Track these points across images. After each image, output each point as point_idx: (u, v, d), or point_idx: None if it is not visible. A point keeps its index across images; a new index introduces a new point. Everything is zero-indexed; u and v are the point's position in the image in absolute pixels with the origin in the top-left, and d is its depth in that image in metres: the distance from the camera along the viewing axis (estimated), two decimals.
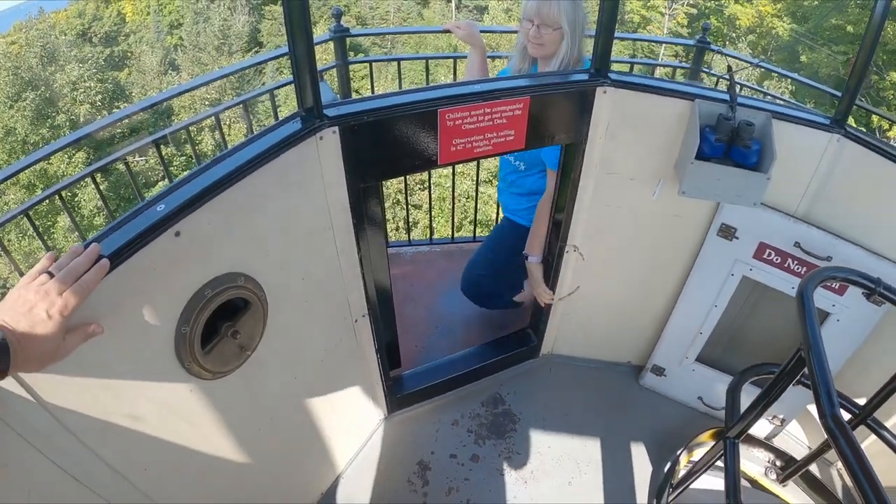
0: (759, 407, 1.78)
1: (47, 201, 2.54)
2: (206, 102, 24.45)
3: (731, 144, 2.00)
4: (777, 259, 2.27)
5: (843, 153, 2.09)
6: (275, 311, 1.68)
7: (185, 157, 22.09)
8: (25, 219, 2.31)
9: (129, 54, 34.44)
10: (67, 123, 26.16)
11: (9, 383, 1.08)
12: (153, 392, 1.40)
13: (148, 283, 1.29)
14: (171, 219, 1.29)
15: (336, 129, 1.62)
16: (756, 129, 1.98)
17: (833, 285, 2.21)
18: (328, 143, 1.63)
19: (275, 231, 1.61)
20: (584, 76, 2.01)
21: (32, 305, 1.00)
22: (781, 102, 2.93)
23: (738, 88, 2.01)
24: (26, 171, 2.38)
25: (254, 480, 1.92)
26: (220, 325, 1.51)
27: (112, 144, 22.50)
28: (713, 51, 3.54)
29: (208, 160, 1.46)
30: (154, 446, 1.46)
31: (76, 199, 22.20)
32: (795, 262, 2.24)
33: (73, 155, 23.37)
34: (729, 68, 2.12)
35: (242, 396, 1.72)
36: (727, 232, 2.29)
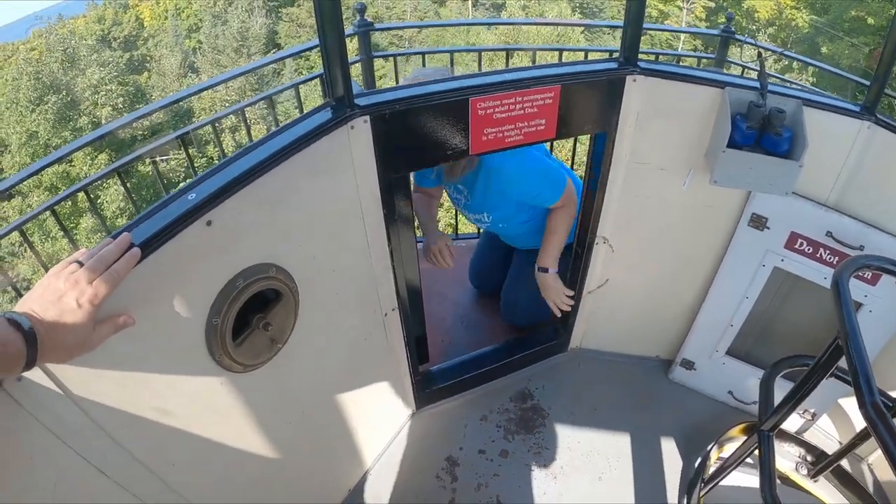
0: (795, 399, 1.75)
1: (70, 204, 2.56)
2: (227, 104, 24.66)
3: (763, 132, 1.97)
4: (809, 249, 2.24)
5: (874, 140, 2.05)
6: (305, 304, 1.67)
7: (205, 159, 22.25)
8: (47, 220, 2.33)
9: (148, 58, 34.77)
10: (89, 126, 26.47)
11: (36, 375, 1.08)
12: (183, 385, 1.40)
13: (179, 273, 1.28)
14: (203, 208, 1.28)
15: (367, 118, 1.61)
16: (787, 116, 1.95)
17: (866, 275, 2.17)
18: (359, 133, 1.62)
19: (306, 221, 1.61)
20: (614, 64, 1.99)
21: (62, 294, 0.98)
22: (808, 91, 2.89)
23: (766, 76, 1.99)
24: (49, 173, 2.42)
25: (282, 476, 1.92)
26: (250, 318, 1.50)
27: (133, 145, 22.70)
28: (738, 40, 3.50)
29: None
30: (183, 440, 1.46)
31: (98, 202, 22.44)
32: (827, 251, 2.21)
33: (96, 157, 23.64)
34: (759, 54, 2.09)
35: (273, 390, 1.71)
36: (758, 222, 2.26)
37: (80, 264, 1.03)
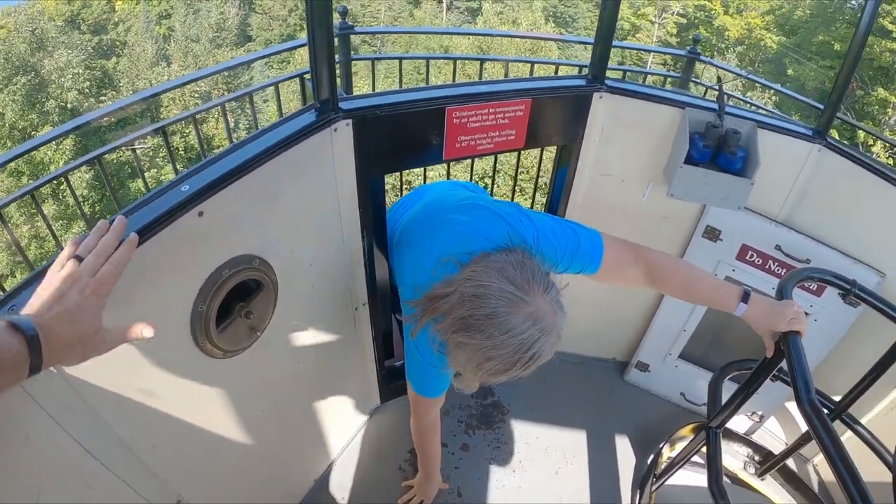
0: (740, 397, 1.85)
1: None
2: (196, 95, 24.28)
3: (718, 151, 2.10)
4: (759, 261, 2.37)
5: (824, 162, 2.19)
6: (284, 295, 1.73)
7: (173, 149, 21.80)
8: (13, 210, 2.32)
9: (118, 43, 34.05)
10: (56, 109, 25.81)
11: None
12: (166, 368, 1.44)
13: (170, 260, 1.33)
14: (196, 199, 1.33)
15: (350, 121, 1.68)
16: (742, 137, 2.08)
17: (811, 286, 2.31)
18: (342, 135, 1.69)
19: (288, 216, 1.67)
20: (583, 81, 2.10)
21: (63, 293, 0.93)
22: (765, 113, 3.03)
23: (725, 98, 2.12)
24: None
25: (253, 464, 1.98)
26: (233, 306, 1.56)
27: (99, 132, 22.21)
28: (703, 61, 3.66)
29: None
30: (163, 423, 1.50)
31: (62, 188, 21.88)
32: (776, 263, 2.35)
33: (61, 142, 23.05)
34: (718, 79, 2.22)
35: (249, 377, 1.76)
36: (712, 234, 2.39)
37: (78, 259, 0.98)
